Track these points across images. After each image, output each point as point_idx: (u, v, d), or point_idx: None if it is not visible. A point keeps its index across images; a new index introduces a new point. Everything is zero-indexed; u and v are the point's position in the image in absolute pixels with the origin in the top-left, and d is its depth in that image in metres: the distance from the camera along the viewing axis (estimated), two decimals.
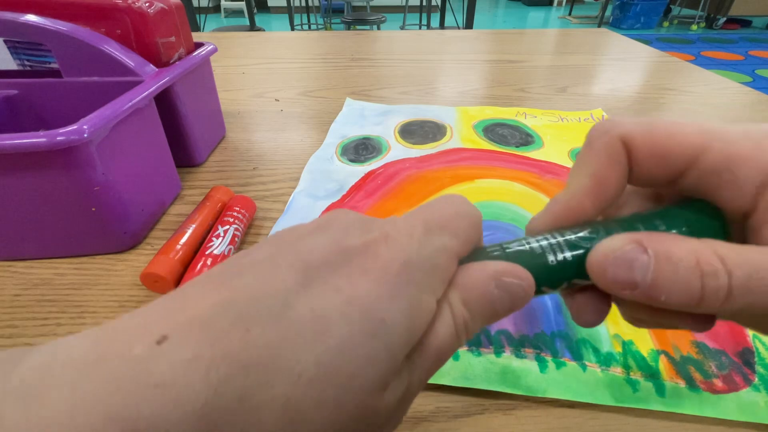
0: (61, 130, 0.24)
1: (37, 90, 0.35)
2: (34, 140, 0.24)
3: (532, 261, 0.13)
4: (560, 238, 0.14)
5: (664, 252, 0.12)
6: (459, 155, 0.44)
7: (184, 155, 0.41)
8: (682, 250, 0.12)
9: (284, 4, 3.48)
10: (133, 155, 0.31)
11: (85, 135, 0.25)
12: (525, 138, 0.48)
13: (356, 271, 0.12)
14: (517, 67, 0.75)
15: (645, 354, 0.23)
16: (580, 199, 0.14)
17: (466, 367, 0.23)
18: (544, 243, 0.14)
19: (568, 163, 0.43)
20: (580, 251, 0.13)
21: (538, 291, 0.13)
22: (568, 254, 0.13)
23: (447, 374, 0.22)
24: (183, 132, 0.40)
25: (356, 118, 0.53)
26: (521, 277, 0.13)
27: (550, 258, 0.13)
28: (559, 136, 0.48)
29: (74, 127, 0.25)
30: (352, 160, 0.43)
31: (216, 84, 0.47)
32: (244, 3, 4.47)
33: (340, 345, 0.10)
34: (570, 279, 0.13)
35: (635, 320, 0.15)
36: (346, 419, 0.11)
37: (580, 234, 0.14)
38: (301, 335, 0.10)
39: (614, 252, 0.12)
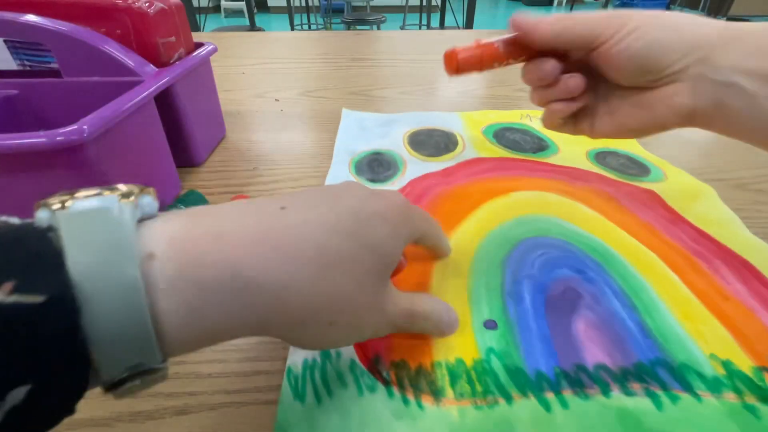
0: (61, 130, 0.24)
1: (37, 90, 0.35)
2: (34, 140, 0.24)
3: None
4: None
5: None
6: (481, 166, 0.42)
7: (184, 155, 0.41)
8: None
9: (284, 4, 3.47)
10: (133, 155, 0.31)
11: (85, 135, 0.25)
12: (539, 143, 0.46)
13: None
14: (517, 67, 0.74)
15: (748, 372, 0.22)
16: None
17: (581, 417, 0.20)
18: None
19: (590, 167, 0.41)
20: None
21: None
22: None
23: (563, 428, 0.20)
24: (183, 132, 0.40)
25: (357, 131, 0.49)
26: None
27: None
28: (572, 139, 0.44)
29: (74, 127, 0.25)
30: (371, 180, 0.40)
31: (216, 84, 0.47)
32: (244, 3, 4.47)
33: None
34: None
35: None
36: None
37: None
38: None
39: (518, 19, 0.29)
